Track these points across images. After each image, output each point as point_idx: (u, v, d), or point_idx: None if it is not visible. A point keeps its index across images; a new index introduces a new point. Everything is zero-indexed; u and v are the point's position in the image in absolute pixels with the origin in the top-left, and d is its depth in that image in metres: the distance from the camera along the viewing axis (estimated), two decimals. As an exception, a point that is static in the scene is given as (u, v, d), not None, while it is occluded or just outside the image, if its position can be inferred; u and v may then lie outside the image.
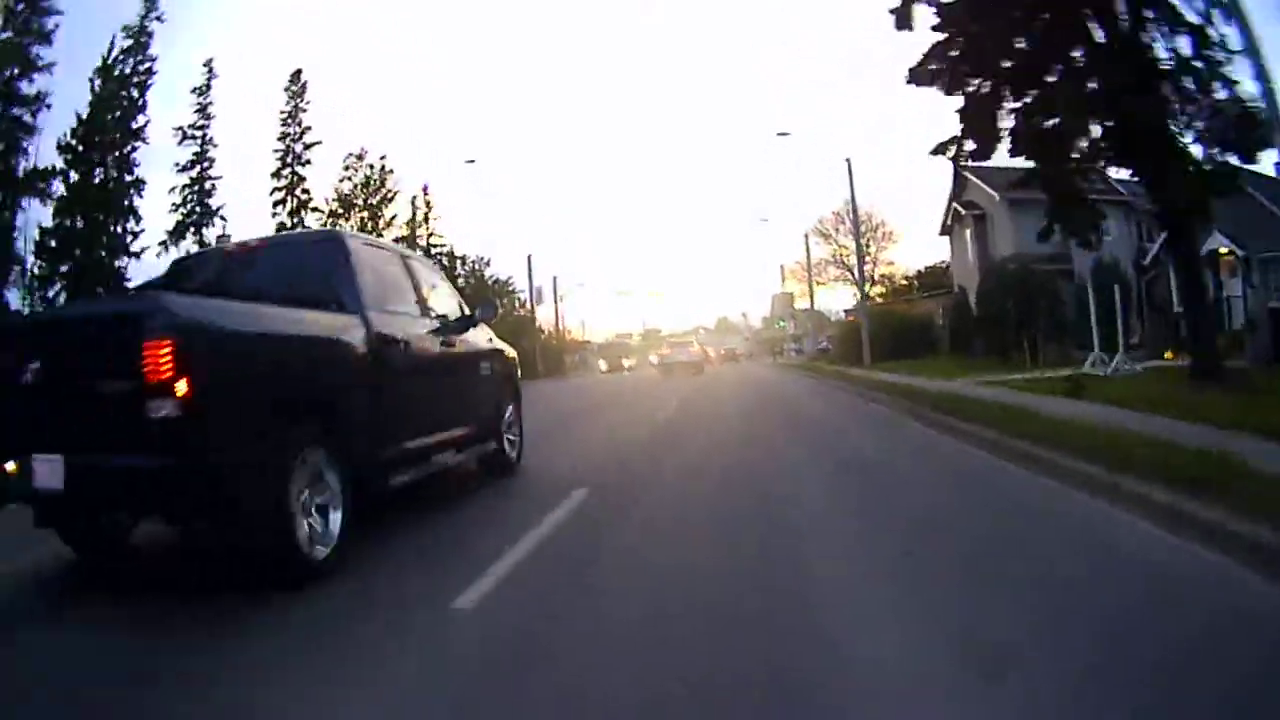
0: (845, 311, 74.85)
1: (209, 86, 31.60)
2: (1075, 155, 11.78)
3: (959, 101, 12.42)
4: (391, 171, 34.01)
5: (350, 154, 34.26)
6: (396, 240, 34.65)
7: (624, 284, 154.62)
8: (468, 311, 7.18)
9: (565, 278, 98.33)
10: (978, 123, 11.85)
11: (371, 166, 33.65)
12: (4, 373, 3.86)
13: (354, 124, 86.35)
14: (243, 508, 3.93)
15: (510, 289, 49.11)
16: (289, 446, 4.17)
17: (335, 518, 4.44)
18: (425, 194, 40.16)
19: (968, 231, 32.64)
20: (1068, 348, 23.43)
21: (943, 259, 59.62)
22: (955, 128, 12.87)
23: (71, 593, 4.59)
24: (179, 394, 3.55)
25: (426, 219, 40.87)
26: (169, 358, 3.55)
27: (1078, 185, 12.24)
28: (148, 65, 32.22)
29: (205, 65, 31.84)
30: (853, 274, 49.98)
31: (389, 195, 33.32)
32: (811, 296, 47.13)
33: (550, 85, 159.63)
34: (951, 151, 12.51)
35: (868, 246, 48.20)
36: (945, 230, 35.45)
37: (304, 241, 7.44)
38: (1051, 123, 11.57)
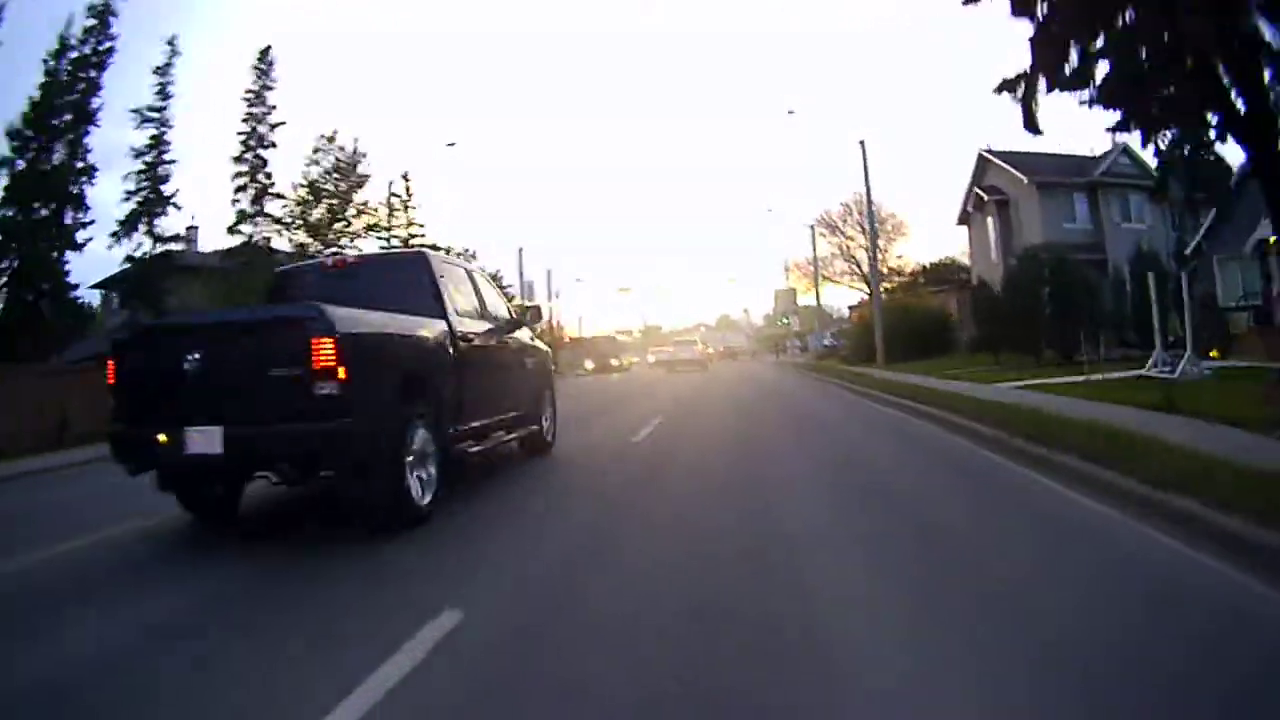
0: (850, 308, 72.49)
1: (170, 65, 28.99)
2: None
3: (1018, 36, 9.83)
4: (365, 155, 31.30)
5: (321, 135, 31.54)
6: (369, 229, 32.11)
7: (624, 280, 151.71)
8: (514, 316, 8.60)
9: (562, 273, 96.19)
10: (1053, 52, 9.22)
11: (343, 149, 31.01)
12: (162, 361, 5.20)
13: (332, 108, 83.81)
14: (375, 463, 5.23)
15: (499, 283, 46.55)
16: (405, 419, 5.58)
17: (432, 477, 5.81)
18: (405, 180, 37.50)
19: (989, 219, 30.15)
20: (1107, 345, 21.01)
21: (949, 254, 57.15)
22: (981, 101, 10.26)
23: (188, 543, 5.85)
24: (339, 377, 4.90)
25: (406, 207, 38.19)
26: (331, 350, 4.91)
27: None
28: (108, 45, 29.60)
29: (168, 42, 29.19)
30: (860, 268, 47.51)
31: (360, 181, 30.58)
32: (817, 291, 44.70)
33: (547, 71, 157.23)
34: (1020, 91, 9.91)
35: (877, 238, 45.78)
36: (963, 219, 32.95)
37: (395, 259, 9.13)
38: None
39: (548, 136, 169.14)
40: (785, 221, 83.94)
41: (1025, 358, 20.75)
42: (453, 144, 39.69)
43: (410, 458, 5.53)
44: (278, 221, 30.46)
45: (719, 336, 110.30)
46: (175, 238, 29.95)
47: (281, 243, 30.90)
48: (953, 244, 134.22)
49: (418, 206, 40.52)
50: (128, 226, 30.07)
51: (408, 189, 40.27)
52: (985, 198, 30.03)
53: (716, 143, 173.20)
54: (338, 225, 30.30)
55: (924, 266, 53.57)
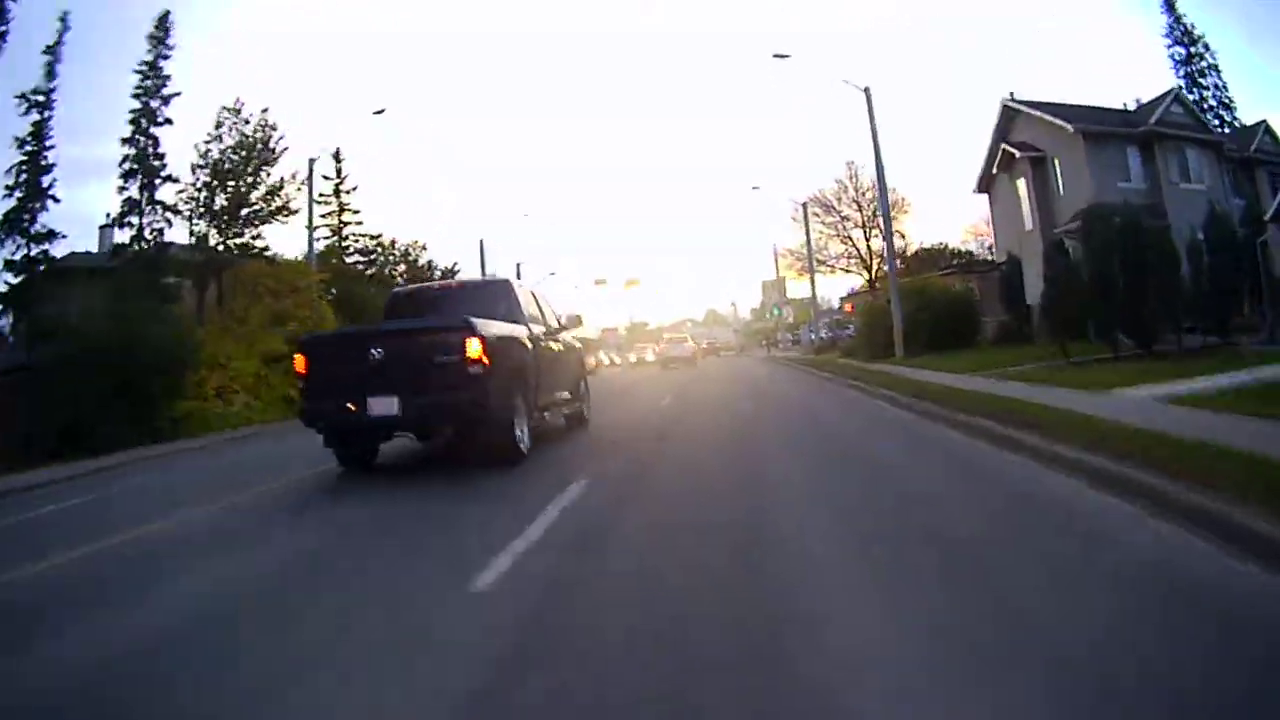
0: (841, 299, 67.97)
1: (61, 43, 24.08)
2: None
3: None
4: (274, 128, 26.32)
5: (224, 108, 26.53)
6: (277, 213, 26.97)
7: (610, 275, 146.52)
8: (562, 323, 11.25)
9: (535, 268, 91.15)
10: None
11: (248, 122, 26.07)
12: (348, 355, 7.85)
13: (317, 104, 78.20)
14: (500, 418, 7.94)
15: (455, 277, 41.83)
16: (514, 392, 8.33)
17: (525, 433, 8.50)
18: (337, 160, 32.49)
19: (1021, 180, 25.45)
20: (1179, 331, 16.55)
21: (942, 240, 52.60)
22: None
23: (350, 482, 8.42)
24: (485, 364, 7.50)
25: (338, 191, 33.31)
26: (480, 347, 7.51)
27: None
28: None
29: (60, 19, 24.37)
30: (859, 249, 42.79)
31: (268, 158, 25.59)
32: (812, 278, 39.91)
33: (529, 67, 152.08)
34: None
35: (877, 215, 41.03)
36: (984, 184, 28.25)
37: (486, 283, 11.90)
38: None
39: (529, 133, 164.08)
40: (774, 204, 79.33)
41: (1088, 346, 16.13)
42: (380, 111, 37.62)
43: (516, 417, 8.31)
44: (172, 210, 25.52)
45: (705, 332, 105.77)
46: (51, 235, 24.99)
47: (178, 234, 26.07)
48: (947, 228, 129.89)
49: (351, 190, 35.57)
50: (8, 226, 25.11)
51: (338, 170, 35.23)
52: (1016, 154, 25.30)
53: (700, 136, 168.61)
54: (245, 211, 25.44)
55: (914, 253, 49.24)
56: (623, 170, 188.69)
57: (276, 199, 26.43)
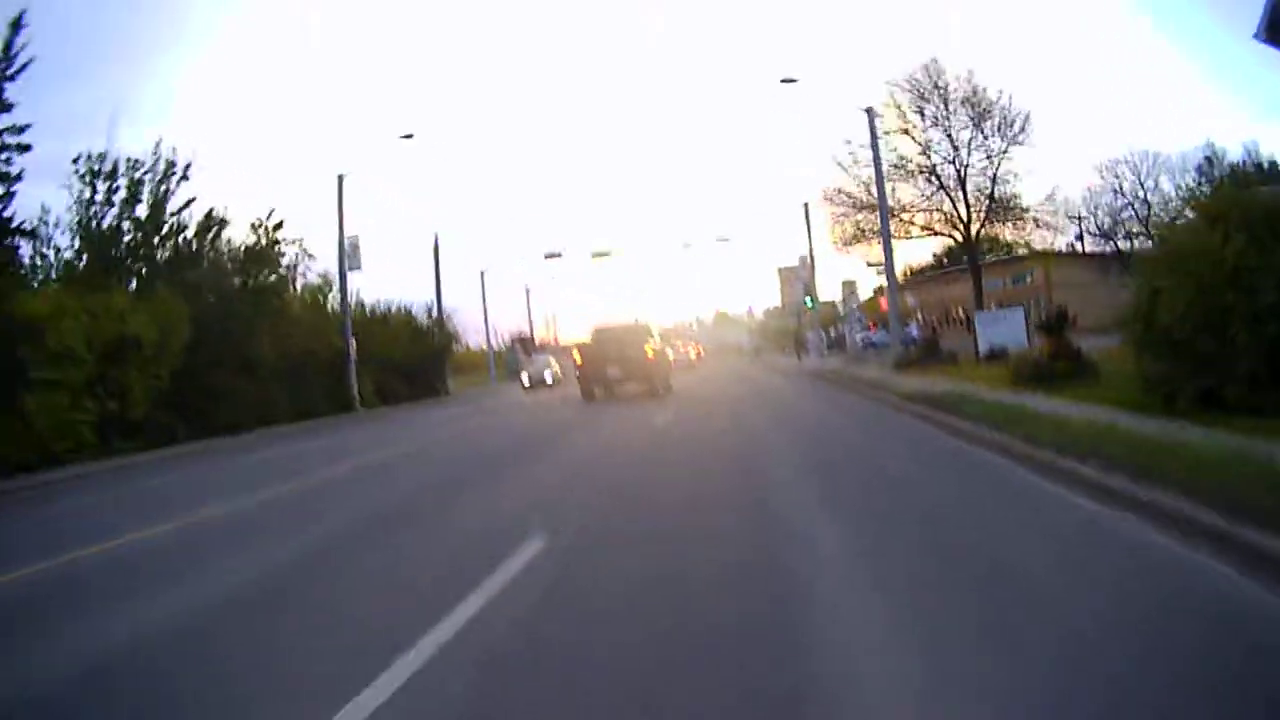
0: (877, 290, 54.33)
1: None
2: None
3: None
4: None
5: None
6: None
7: (606, 282, 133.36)
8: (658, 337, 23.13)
9: (520, 270, 78.30)
10: None
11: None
12: (601, 346, 21.17)
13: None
14: (664, 379, 21.82)
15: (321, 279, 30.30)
16: (661, 368, 21.80)
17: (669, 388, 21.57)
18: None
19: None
20: None
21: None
22: None
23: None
24: (651, 357, 20.95)
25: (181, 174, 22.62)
26: (654, 349, 21.43)
27: None
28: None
29: None
30: (948, 191, 28.58)
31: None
32: (885, 227, 25.49)
33: (525, 64, 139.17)
34: None
35: (981, 139, 27.20)
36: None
37: (638, 325, 23.23)
38: None
39: (527, 130, 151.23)
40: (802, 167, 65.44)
41: None
42: (409, 136, 31.78)
43: (663, 377, 21.38)
44: None
45: (713, 334, 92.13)
46: None
47: None
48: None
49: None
50: None
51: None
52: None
53: (706, 131, 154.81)
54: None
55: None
56: (622, 163, 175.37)
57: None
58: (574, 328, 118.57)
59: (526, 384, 35.96)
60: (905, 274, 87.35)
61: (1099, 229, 35.10)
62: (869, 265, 29.75)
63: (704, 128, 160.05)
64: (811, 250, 38.04)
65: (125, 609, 4.77)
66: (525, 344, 60.13)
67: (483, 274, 55.49)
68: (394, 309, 36.79)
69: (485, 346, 69.25)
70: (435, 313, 38.19)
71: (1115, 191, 35.68)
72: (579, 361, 21.44)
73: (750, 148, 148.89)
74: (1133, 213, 35.63)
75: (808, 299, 38.16)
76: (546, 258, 39.03)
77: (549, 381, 36.21)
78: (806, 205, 39.72)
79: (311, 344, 26.82)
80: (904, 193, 28.37)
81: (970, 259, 28.94)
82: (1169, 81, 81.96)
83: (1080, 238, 41.89)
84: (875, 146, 25.32)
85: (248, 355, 23.53)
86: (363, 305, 32.86)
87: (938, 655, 2.99)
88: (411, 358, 33.59)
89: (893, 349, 24.61)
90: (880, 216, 25.37)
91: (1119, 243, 35.94)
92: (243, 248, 26.05)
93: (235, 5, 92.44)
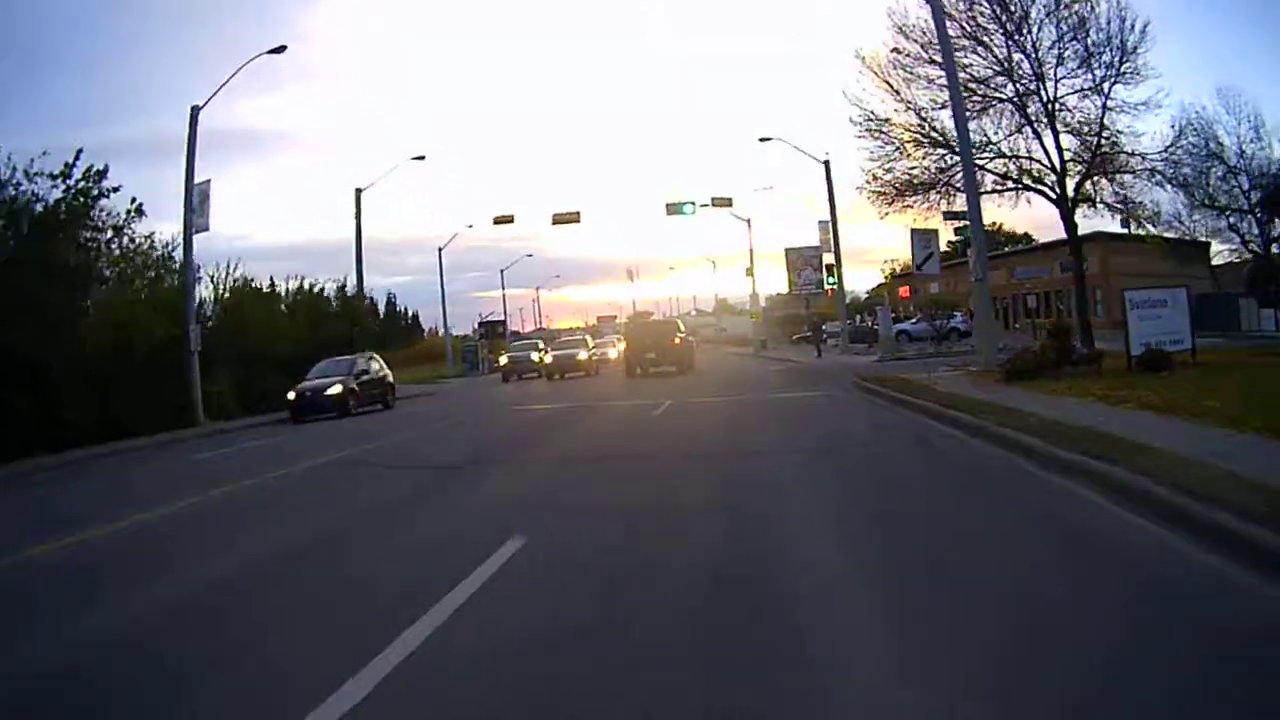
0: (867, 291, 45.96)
1: None
2: None
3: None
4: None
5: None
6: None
7: (602, 264, 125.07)
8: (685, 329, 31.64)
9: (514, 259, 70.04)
10: None
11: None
12: (642, 335, 29.24)
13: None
14: (689, 358, 27.55)
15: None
16: (690, 351, 29.01)
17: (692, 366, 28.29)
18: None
19: None
20: None
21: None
22: None
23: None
24: (678, 342, 27.44)
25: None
26: (685, 333, 29.55)
27: None
28: None
29: None
30: (1032, 126, 19.96)
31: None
32: (964, 142, 16.86)
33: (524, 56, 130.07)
34: None
35: (1080, 58, 18.62)
36: None
37: (669, 319, 47.66)
38: None
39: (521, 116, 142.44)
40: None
41: None
42: (421, 158, 34.49)
43: (691, 358, 27.99)
44: None
45: (714, 324, 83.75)
46: None
47: None
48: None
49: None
50: None
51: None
52: None
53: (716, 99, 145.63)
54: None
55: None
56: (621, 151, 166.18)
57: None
58: (568, 314, 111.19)
59: (550, 371, 31.17)
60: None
61: (1203, 194, 25.92)
62: (945, 219, 20.86)
63: (696, 84, 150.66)
64: (834, 212, 29.68)
65: None
66: (492, 329, 51.96)
67: (440, 250, 47.36)
68: (296, 284, 28.60)
69: (454, 333, 61.46)
70: (359, 288, 30.05)
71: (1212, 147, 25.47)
72: (626, 346, 29.49)
73: (752, 112, 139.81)
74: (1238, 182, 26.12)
75: (828, 277, 29.67)
76: (496, 222, 30.67)
77: (535, 371, 32.03)
78: (827, 163, 31.52)
79: (136, 333, 18.75)
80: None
81: (1066, 224, 20.45)
82: None
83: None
84: (945, 41, 16.91)
85: (32, 354, 15.64)
86: (245, 281, 24.63)
87: None
88: (311, 348, 25.37)
89: (982, 348, 16.23)
90: (959, 133, 16.84)
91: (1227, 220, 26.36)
92: (28, 204, 17.66)
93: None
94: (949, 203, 20.49)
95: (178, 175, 21.39)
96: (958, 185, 19.57)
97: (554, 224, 30.38)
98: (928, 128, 19.56)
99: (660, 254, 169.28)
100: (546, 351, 34.35)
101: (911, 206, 20.13)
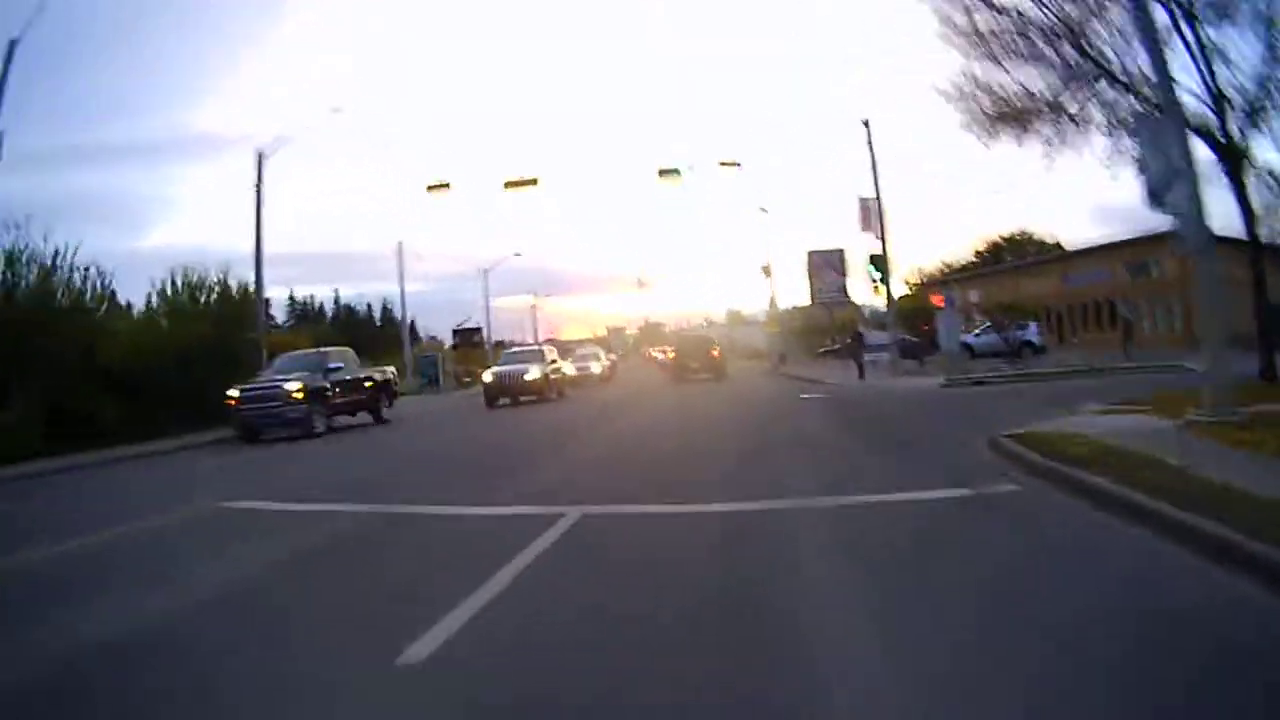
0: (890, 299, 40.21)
1: None
2: None
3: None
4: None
5: None
6: None
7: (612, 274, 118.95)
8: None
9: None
10: None
11: None
12: (685, 349, 32.69)
13: None
14: (722, 369, 29.76)
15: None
16: (723, 361, 31.52)
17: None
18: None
19: None
20: None
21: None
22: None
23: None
24: (718, 355, 30.44)
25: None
26: (718, 348, 31.59)
27: None
28: None
29: None
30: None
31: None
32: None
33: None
34: None
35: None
36: None
37: (706, 335, 40.90)
38: None
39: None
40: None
41: None
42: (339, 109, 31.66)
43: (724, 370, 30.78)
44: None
45: (725, 336, 76.74)
46: None
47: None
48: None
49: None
50: None
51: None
52: None
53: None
54: None
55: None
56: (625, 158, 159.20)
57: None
58: (576, 325, 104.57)
59: (493, 394, 21.89)
60: (942, 271, 70.95)
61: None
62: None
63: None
64: (878, 185, 22.64)
65: None
66: (467, 337, 45.22)
67: (400, 245, 40.59)
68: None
69: (425, 341, 54.76)
70: (258, 285, 23.18)
71: None
72: (671, 358, 34.13)
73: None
74: None
75: (872, 267, 22.52)
76: (430, 189, 23.76)
77: (532, 387, 21.92)
78: (867, 122, 24.56)
79: None
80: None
81: (1230, 177, 13.22)
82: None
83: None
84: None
85: None
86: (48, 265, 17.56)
87: None
88: (172, 360, 18.58)
89: (1213, 370, 8.65)
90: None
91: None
92: None
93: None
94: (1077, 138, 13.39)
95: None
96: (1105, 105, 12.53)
97: (506, 188, 23.39)
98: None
99: (671, 262, 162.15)
100: (553, 365, 24.82)
101: (1035, 129, 13.10)
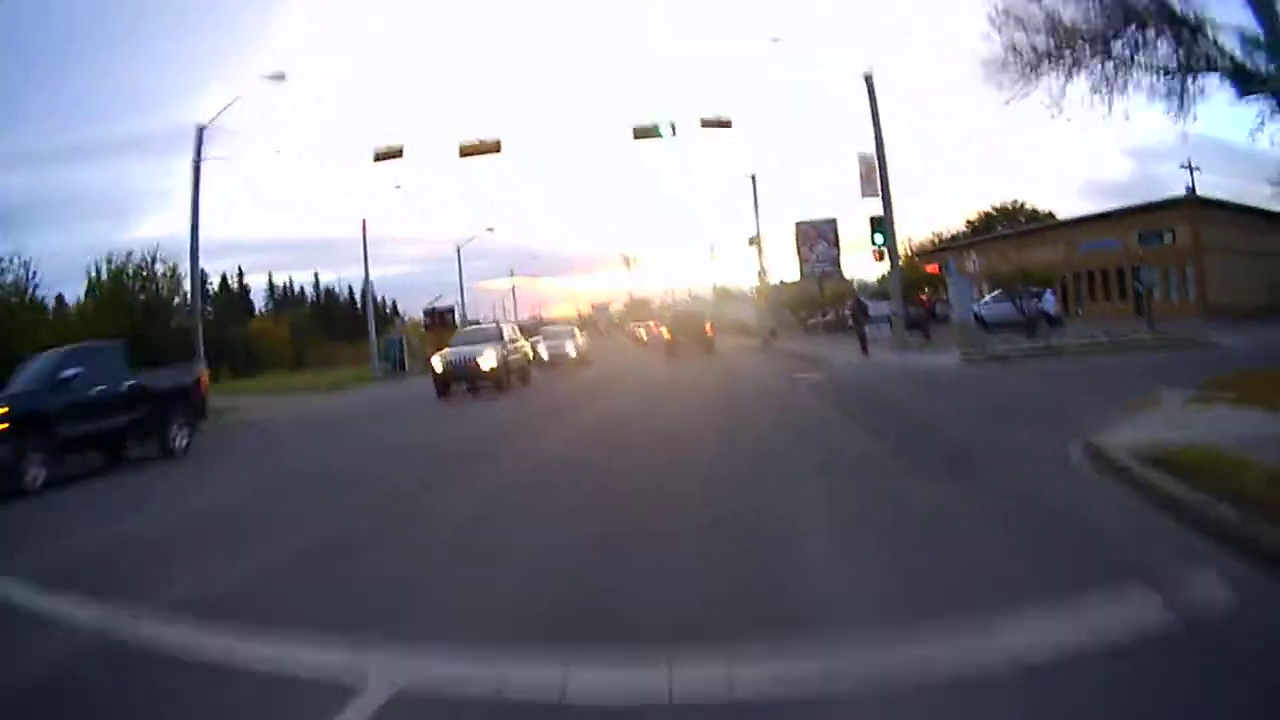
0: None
1: None
2: None
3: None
4: None
5: None
6: None
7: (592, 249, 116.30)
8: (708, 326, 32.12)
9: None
10: None
11: None
12: (680, 324, 32.56)
13: None
14: (711, 344, 29.87)
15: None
16: (716, 339, 32.42)
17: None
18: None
19: None
20: None
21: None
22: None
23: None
24: (710, 330, 30.53)
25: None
26: (711, 326, 31.28)
27: None
28: None
29: None
30: None
31: None
32: None
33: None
34: None
35: None
36: None
37: (700, 311, 39.38)
38: None
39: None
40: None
41: None
42: (282, 76, 18.81)
43: (713, 345, 31.23)
44: None
45: (713, 311, 74.20)
46: None
47: None
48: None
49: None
50: None
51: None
52: None
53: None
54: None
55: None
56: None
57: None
58: (564, 304, 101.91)
59: (442, 383, 19.22)
60: (935, 241, 67.74)
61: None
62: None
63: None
64: (880, 141, 20.07)
65: None
66: (440, 319, 42.60)
67: (364, 222, 37.81)
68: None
69: (397, 322, 52.17)
70: (194, 266, 20.50)
71: None
72: (668, 335, 31.22)
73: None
74: None
75: (876, 235, 19.95)
76: (378, 159, 21.04)
77: (487, 374, 18.93)
78: (869, 76, 21.96)
79: None
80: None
81: None
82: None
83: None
84: None
85: None
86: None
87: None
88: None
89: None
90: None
91: None
92: None
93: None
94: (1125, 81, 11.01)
95: None
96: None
97: (462, 155, 20.78)
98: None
99: (658, 239, 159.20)
100: (514, 346, 21.54)
101: (1079, 72, 10.70)
